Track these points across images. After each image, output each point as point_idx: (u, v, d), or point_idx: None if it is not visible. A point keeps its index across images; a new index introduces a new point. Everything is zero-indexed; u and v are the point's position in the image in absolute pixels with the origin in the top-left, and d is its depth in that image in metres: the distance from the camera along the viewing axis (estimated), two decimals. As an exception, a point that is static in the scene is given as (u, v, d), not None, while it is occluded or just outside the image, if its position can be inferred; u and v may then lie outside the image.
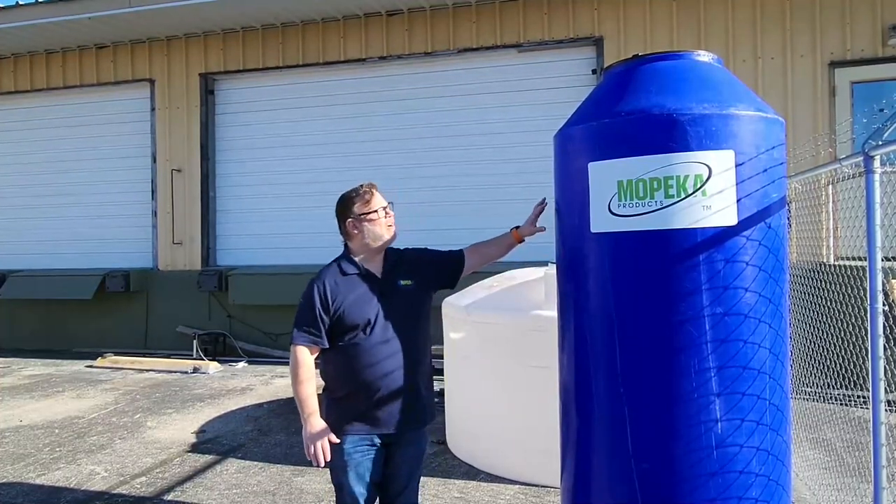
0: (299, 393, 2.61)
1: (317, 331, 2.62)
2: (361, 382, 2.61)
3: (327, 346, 2.64)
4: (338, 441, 2.56)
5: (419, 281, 2.76)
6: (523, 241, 2.93)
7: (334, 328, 2.63)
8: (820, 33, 7.57)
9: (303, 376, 2.60)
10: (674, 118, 2.14)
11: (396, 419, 2.64)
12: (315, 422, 2.56)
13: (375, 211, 2.69)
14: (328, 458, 2.54)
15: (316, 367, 2.67)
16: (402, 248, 2.86)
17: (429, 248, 2.92)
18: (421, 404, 2.72)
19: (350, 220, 2.72)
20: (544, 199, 2.86)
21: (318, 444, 2.52)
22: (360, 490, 2.63)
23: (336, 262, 2.77)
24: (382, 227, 2.70)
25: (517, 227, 2.93)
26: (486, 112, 8.66)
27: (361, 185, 2.75)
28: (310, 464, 4.60)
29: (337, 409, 2.66)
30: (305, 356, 2.62)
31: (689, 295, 2.12)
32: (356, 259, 2.73)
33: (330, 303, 2.62)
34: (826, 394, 4.67)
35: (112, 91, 10.10)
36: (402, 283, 2.71)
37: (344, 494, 2.65)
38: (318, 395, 2.67)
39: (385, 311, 2.64)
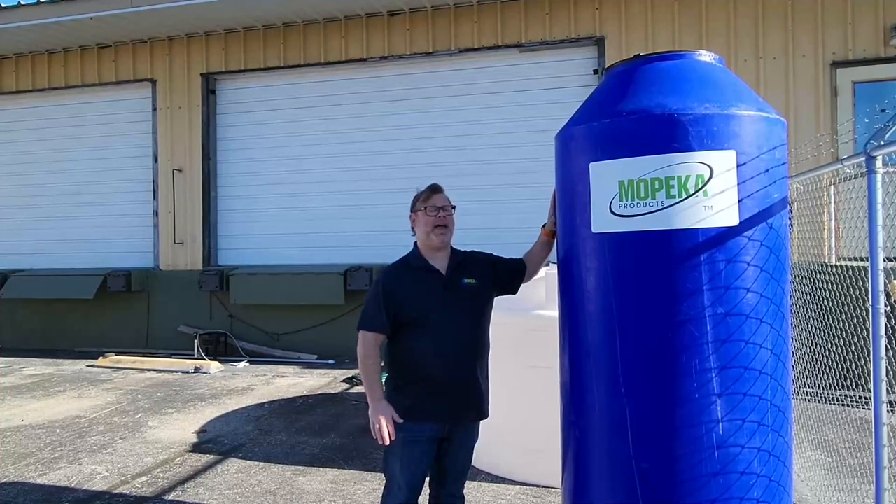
0: (365, 375, 2.73)
1: (380, 319, 2.71)
2: (420, 373, 2.69)
3: (387, 334, 2.73)
4: (402, 420, 2.64)
5: (483, 281, 2.85)
6: (555, 235, 2.91)
7: (397, 318, 2.71)
8: (822, 33, 7.56)
9: (368, 360, 2.70)
10: (675, 118, 2.13)
11: (453, 412, 2.73)
12: (380, 402, 2.66)
13: (425, 209, 2.79)
14: (393, 436, 2.61)
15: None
16: (468, 249, 2.95)
17: (493, 253, 3.01)
18: (477, 399, 2.80)
19: (411, 214, 2.87)
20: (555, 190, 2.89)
21: (384, 422, 2.60)
22: (408, 480, 2.71)
23: (406, 256, 2.88)
24: (429, 224, 2.78)
25: (543, 225, 2.95)
26: (487, 112, 8.66)
27: (429, 184, 2.89)
28: (311, 463, 4.64)
29: (397, 398, 2.72)
30: (370, 341, 2.71)
31: (691, 295, 2.12)
32: (423, 254, 2.83)
33: (393, 293, 2.71)
34: (828, 394, 4.67)
35: (114, 91, 10.12)
36: (466, 280, 2.80)
37: (393, 483, 2.74)
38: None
39: (446, 306, 2.72)
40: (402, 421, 2.64)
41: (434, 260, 2.81)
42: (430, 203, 2.79)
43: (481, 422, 2.90)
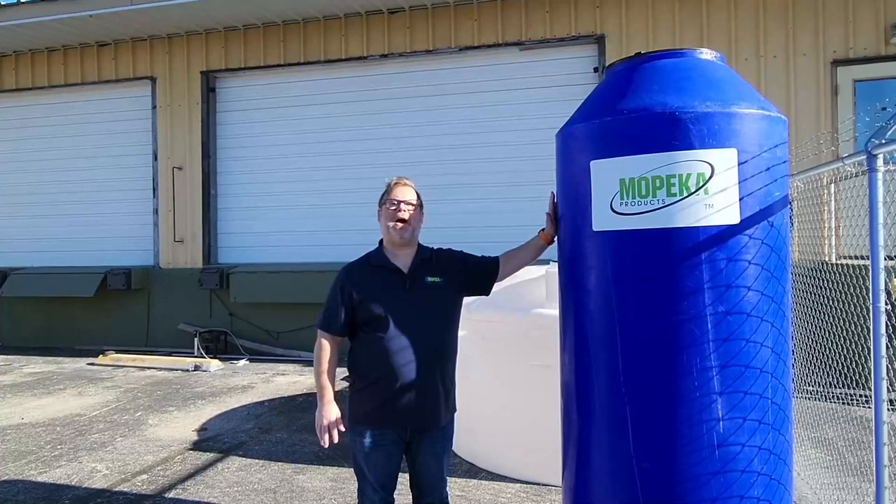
0: (317, 378, 2.72)
1: (336, 320, 2.68)
2: (379, 374, 2.62)
3: (345, 336, 2.71)
4: (343, 430, 2.64)
5: (450, 280, 2.73)
6: (552, 241, 2.77)
7: (356, 319, 2.67)
8: (823, 31, 7.56)
9: (322, 362, 2.69)
10: (676, 116, 2.13)
11: (413, 414, 2.63)
12: (329, 407, 2.65)
13: (387, 202, 2.72)
14: (335, 442, 2.62)
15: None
16: (438, 247, 2.86)
17: (465, 251, 2.91)
18: (440, 401, 2.69)
19: (378, 208, 2.79)
20: (552, 192, 2.76)
21: (326, 427, 2.62)
22: (380, 481, 2.67)
23: (367, 253, 2.80)
24: (390, 216, 2.70)
25: (543, 230, 2.76)
26: (487, 110, 8.65)
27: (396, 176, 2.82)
28: (311, 462, 4.64)
29: (357, 400, 2.70)
30: (325, 343, 2.70)
31: (692, 294, 2.12)
32: (385, 252, 2.75)
33: (351, 293, 2.65)
34: (828, 393, 4.66)
35: (113, 89, 10.11)
36: (430, 279, 2.69)
37: (365, 483, 2.71)
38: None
39: (406, 306, 2.63)
40: (343, 430, 2.64)
41: (397, 258, 2.71)
42: (391, 196, 2.71)
43: (481, 420, 2.89)
